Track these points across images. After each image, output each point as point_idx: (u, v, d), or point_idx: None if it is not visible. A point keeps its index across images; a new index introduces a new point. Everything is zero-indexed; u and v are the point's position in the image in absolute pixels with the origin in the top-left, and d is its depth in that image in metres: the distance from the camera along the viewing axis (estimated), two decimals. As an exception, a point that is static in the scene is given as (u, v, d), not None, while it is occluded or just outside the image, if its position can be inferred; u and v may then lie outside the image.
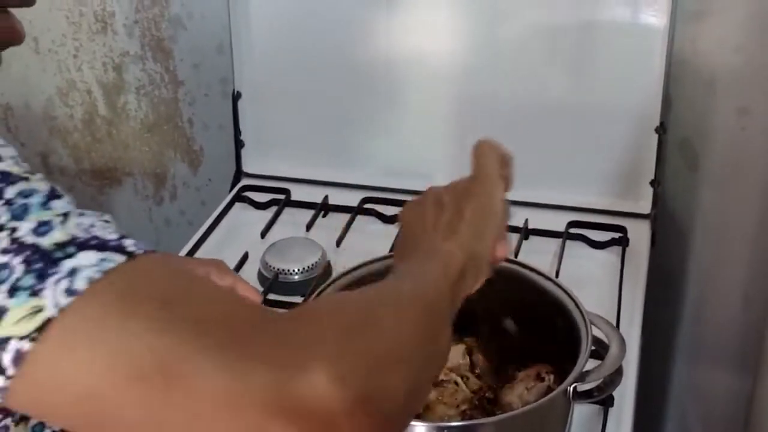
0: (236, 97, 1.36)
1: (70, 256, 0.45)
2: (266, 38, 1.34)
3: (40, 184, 0.48)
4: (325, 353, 0.47)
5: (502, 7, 1.25)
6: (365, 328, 0.52)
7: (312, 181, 1.36)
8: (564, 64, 1.26)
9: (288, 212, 1.32)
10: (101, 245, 0.46)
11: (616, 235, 1.24)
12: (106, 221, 0.49)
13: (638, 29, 1.22)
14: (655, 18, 1.20)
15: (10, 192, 0.46)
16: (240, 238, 1.27)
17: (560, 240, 1.22)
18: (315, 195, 1.33)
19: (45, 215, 0.46)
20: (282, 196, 1.34)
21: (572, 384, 0.79)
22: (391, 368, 0.51)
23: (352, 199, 1.32)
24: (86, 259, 0.46)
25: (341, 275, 0.91)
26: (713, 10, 1.23)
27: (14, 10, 0.59)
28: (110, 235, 0.48)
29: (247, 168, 1.40)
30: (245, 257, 1.20)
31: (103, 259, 0.46)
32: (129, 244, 0.48)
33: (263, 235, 1.26)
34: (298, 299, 1.12)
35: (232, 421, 0.45)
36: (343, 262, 1.16)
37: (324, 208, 1.32)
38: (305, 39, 1.32)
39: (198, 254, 1.21)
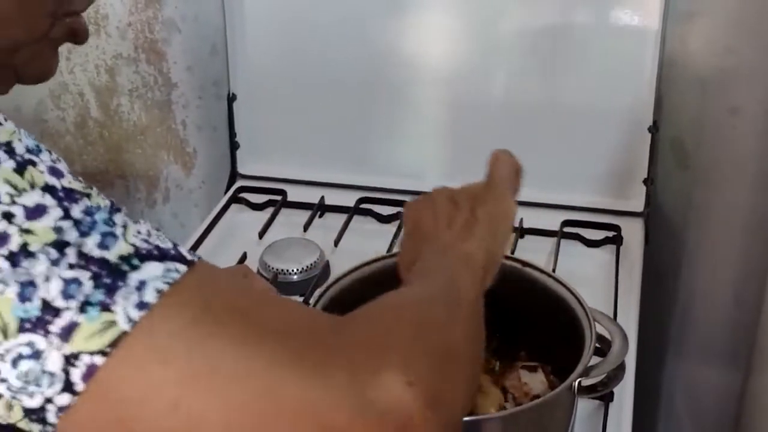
0: (231, 98, 1.36)
1: (135, 268, 0.46)
2: (261, 40, 1.34)
3: (100, 200, 0.48)
4: (396, 356, 0.49)
5: (495, 10, 1.26)
6: (425, 327, 0.53)
7: (308, 182, 1.37)
8: (557, 66, 1.27)
9: (285, 213, 1.32)
10: (162, 255, 0.47)
11: (611, 233, 1.26)
12: (157, 229, 0.50)
13: (630, 30, 1.23)
14: (647, 19, 1.21)
15: (76, 210, 0.46)
16: (237, 239, 1.27)
17: (555, 239, 1.23)
18: (311, 196, 1.34)
19: (108, 229, 0.47)
20: (279, 197, 1.34)
21: (577, 379, 0.80)
22: (451, 367, 0.52)
23: (349, 199, 1.32)
24: (152, 270, 0.46)
25: (343, 275, 0.91)
26: (704, 10, 1.24)
27: None
28: (166, 243, 0.49)
29: (242, 169, 1.40)
30: (243, 258, 1.20)
31: (167, 270, 0.47)
32: (184, 252, 0.49)
33: (261, 235, 1.26)
34: (298, 299, 1.12)
35: (313, 426, 0.46)
36: (340, 262, 1.16)
37: (321, 208, 1.32)
38: (300, 40, 1.33)
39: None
